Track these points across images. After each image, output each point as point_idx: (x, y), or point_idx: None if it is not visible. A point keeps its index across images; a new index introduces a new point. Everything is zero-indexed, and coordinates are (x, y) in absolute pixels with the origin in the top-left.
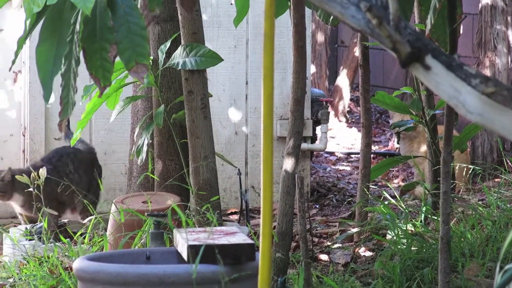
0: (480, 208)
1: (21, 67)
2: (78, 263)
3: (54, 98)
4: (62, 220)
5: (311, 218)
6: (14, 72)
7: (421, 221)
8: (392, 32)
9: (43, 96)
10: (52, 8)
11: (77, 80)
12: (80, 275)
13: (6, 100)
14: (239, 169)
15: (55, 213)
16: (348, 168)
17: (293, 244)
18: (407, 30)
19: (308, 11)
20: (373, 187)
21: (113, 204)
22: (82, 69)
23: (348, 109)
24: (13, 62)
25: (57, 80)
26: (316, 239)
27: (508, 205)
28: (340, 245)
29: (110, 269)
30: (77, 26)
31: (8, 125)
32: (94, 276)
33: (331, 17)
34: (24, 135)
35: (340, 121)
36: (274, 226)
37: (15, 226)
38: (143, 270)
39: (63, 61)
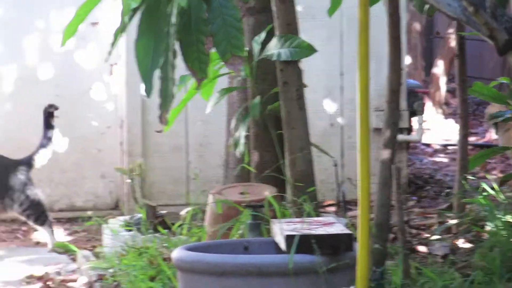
0: None
1: (117, 59)
2: (177, 253)
3: None
4: (160, 212)
5: (408, 210)
6: (110, 64)
7: None
8: (489, 19)
9: (144, 91)
10: (148, 0)
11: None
12: (179, 264)
13: (103, 92)
14: (335, 161)
15: (154, 204)
16: (445, 160)
17: (391, 236)
18: (504, 17)
19: (403, 1)
20: (471, 178)
21: (210, 195)
22: (177, 59)
23: (445, 100)
24: (109, 53)
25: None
26: (413, 231)
27: None
28: (439, 237)
29: (208, 259)
30: (173, 19)
31: (106, 117)
32: (193, 266)
33: (427, 7)
34: (121, 127)
35: (436, 112)
36: (371, 218)
37: (114, 217)
38: (241, 260)
39: (161, 54)
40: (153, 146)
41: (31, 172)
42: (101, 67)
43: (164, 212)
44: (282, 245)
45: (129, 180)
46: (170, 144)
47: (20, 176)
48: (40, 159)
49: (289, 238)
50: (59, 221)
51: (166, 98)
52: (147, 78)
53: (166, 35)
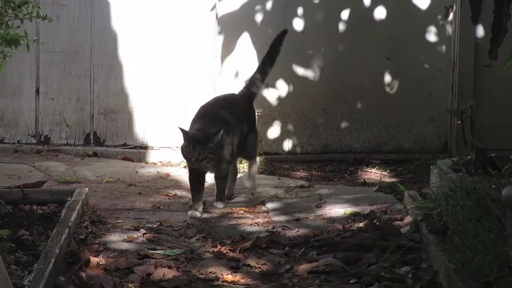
0: None
1: (453, 2)
2: (507, 190)
3: (483, 31)
4: (490, 154)
5: None
6: (445, 7)
7: None
8: None
9: (470, 18)
10: None
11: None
12: (508, 201)
13: (436, 35)
14: None
15: (484, 146)
16: None
17: None
18: None
19: None
20: None
21: None
22: None
23: None
24: None
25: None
26: None
27: None
28: None
29: None
30: None
31: (438, 60)
32: None
33: None
34: (453, 70)
35: None
36: None
37: (442, 159)
38: None
39: None
40: (484, 90)
41: None
42: (435, 9)
43: (493, 154)
44: None
45: (459, 122)
46: (501, 88)
47: None
48: None
49: None
50: (386, 162)
51: (498, 32)
52: (475, 5)
53: None
